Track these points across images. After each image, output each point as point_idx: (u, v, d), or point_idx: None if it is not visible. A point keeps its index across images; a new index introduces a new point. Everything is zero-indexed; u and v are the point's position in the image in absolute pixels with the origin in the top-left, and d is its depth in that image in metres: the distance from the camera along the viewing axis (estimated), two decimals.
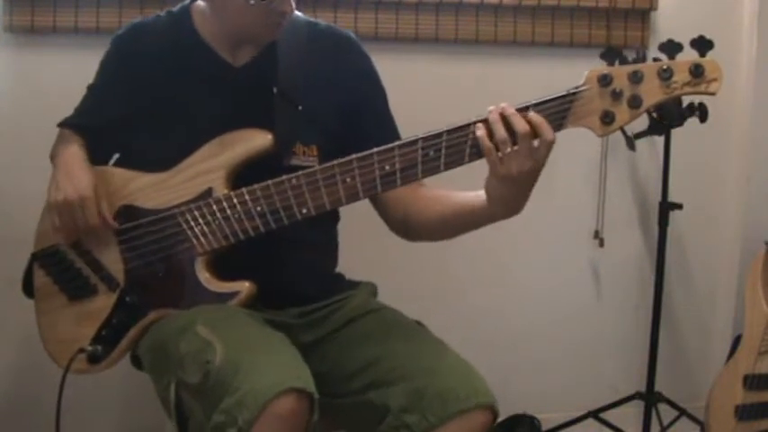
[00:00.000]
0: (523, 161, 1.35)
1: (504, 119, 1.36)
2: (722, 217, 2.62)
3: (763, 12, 2.50)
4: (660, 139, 2.33)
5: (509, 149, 1.35)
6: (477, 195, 1.46)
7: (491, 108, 1.38)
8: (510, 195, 1.40)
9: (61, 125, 1.68)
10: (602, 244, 2.52)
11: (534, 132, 1.35)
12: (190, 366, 1.38)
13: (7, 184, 2.16)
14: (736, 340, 2.29)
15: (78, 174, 1.56)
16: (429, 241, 1.63)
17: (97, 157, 1.64)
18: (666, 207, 2.35)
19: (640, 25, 2.45)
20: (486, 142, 1.37)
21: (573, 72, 2.40)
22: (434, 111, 2.31)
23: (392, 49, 2.28)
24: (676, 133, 2.29)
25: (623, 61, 1.85)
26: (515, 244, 2.38)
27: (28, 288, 1.66)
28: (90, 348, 1.56)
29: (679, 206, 2.34)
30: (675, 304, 2.60)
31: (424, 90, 2.33)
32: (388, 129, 1.67)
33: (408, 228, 1.63)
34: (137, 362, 1.64)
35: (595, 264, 2.56)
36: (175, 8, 1.67)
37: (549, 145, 1.36)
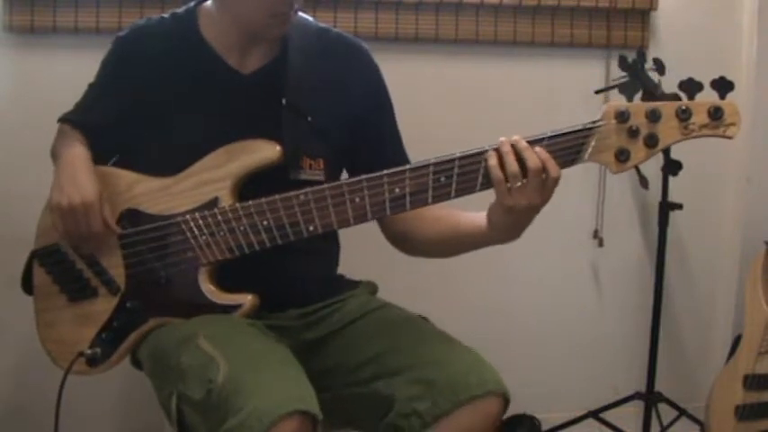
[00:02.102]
0: (533, 196, 1.36)
1: (516, 152, 1.36)
2: (722, 217, 2.62)
3: (763, 12, 2.50)
4: None
5: (519, 183, 1.35)
6: (478, 219, 1.47)
7: (502, 139, 1.37)
8: (512, 225, 1.41)
9: (62, 120, 1.66)
10: (601, 244, 2.53)
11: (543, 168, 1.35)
12: (192, 381, 1.37)
13: (7, 183, 2.16)
14: (736, 340, 2.29)
15: (83, 178, 1.53)
16: (426, 257, 1.64)
17: (96, 155, 1.62)
18: (666, 207, 2.35)
19: (640, 25, 2.45)
20: (498, 173, 1.36)
21: (573, 72, 2.43)
22: (435, 111, 2.33)
23: (392, 49, 2.28)
24: None
25: (632, 68, 1.82)
26: (514, 243, 2.38)
27: (27, 285, 1.64)
28: (89, 352, 1.55)
29: (679, 206, 2.34)
30: (675, 304, 2.60)
31: (424, 90, 2.33)
32: (394, 144, 1.68)
33: (407, 244, 1.64)
34: (137, 362, 1.64)
35: (595, 264, 2.56)
36: (180, 10, 1.64)
37: (555, 182, 1.36)
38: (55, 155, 1.63)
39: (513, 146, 1.36)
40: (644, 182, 2.22)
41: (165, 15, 1.65)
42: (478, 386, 1.38)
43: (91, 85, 1.68)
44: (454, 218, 1.54)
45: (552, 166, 1.35)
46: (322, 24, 1.68)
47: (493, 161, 1.36)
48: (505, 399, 1.41)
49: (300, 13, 1.63)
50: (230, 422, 1.28)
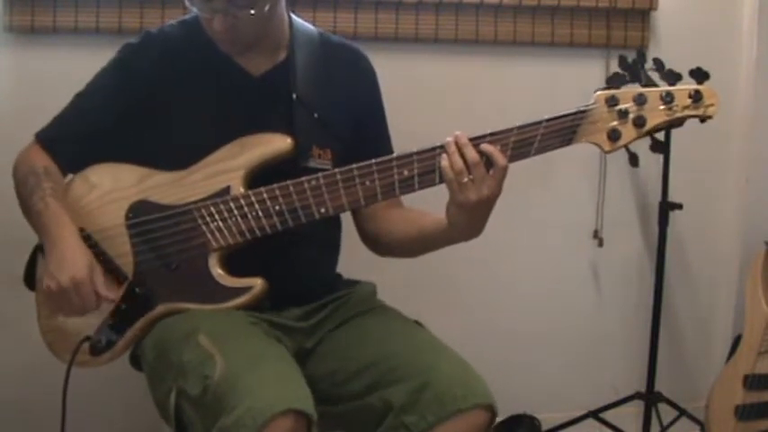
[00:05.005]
0: (479, 189, 1.42)
1: (459, 148, 1.43)
2: (722, 217, 2.62)
3: (763, 12, 2.50)
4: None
5: (465, 179, 1.41)
6: (439, 220, 1.52)
7: (448, 138, 1.44)
8: (468, 221, 1.47)
9: (42, 141, 1.64)
10: (601, 244, 2.53)
11: (488, 161, 1.42)
12: (191, 377, 1.38)
13: (7, 183, 2.15)
14: (736, 340, 2.29)
15: (70, 254, 1.49)
16: (394, 257, 1.70)
17: (97, 156, 1.61)
18: (666, 207, 2.35)
19: (640, 25, 2.45)
20: (449, 173, 1.42)
21: (573, 72, 2.43)
22: (434, 111, 2.33)
23: (392, 49, 2.28)
24: (676, 133, 2.29)
25: (632, 68, 1.89)
26: (514, 243, 2.39)
27: (29, 279, 1.64)
28: (94, 338, 1.56)
29: (679, 206, 2.35)
30: (675, 304, 2.60)
31: (423, 90, 2.33)
32: (386, 140, 1.73)
33: (377, 244, 1.71)
34: (136, 362, 1.64)
35: (595, 263, 2.56)
36: (188, 16, 1.66)
37: (502, 171, 1.42)
38: (25, 180, 1.59)
39: (456, 143, 1.43)
40: (633, 159, 2.25)
41: (173, 22, 1.67)
42: (464, 399, 1.40)
43: (79, 94, 1.65)
44: (419, 221, 1.61)
45: (498, 156, 1.42)
46: (323, 31, 1.73)
47: (445, 162, 1.43)
48: (492, 410, 1.43)
49: (301, 20, 1.69)
50: (224, 420, 1.29)
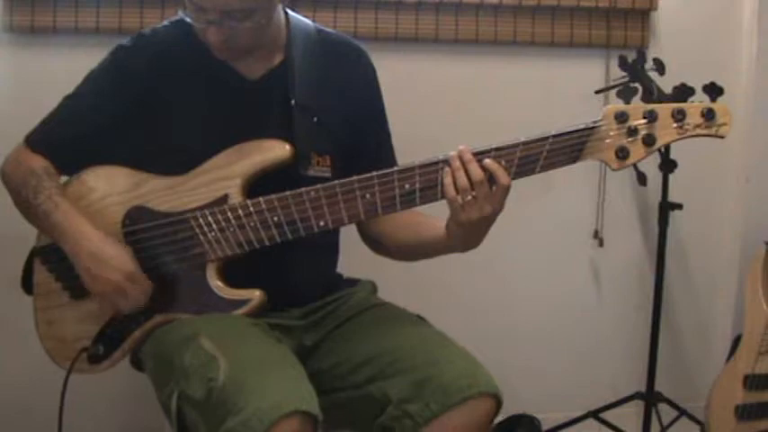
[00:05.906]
0: (482, 207, 1.40)
1: (463, 164, 1.40)
2: (722, 217, 2.62)
3: (763, 12, 2.50)
4: None
5: (469, 197, 1.40)
6: (438, 230, 1.51)
7: (452, 153, 1.42)
8: (468, 236, 1.46)
9: (34, 143, 1.62)
10: (601, 244, 2.53)
11: (490, 177, 1.40)
12: (193, 380, 1.38)
13: None
14: (736, 340, 2.29)
15: (108, 251, 1.49)
16: (393, 260, 1.70)
17: (93, 158, 1.60)
18: (666, 207, 2.35)
19: (640, 25, 2.45)
20: (451, 190, 1.41)
21: (573, 72, 2.43)
22: (434, 111, 2.33)
23: (392, 49, 2.28)
24: None
25: (632, 68, 1.86)
26: (515, 243, 2.39)
27: (27, 283, 1.64)
28: (92, 348, 1.55)
29: (679, 206, 2.34)
30: (675, 304, 2.60)
31: (423, 90, 2.33)
32: (386, 147, 1.72)
33: (378, 245, 1.70)
34: (137, 363, 1.64)
35: (595, 264, 2.56)
36: (181, 18, 1.62)
37: (504, 190, 1.41)
38: (24, 190, 1.56)
39: (460, 158, 1.40)
40: (642, 178, 2.23)
41: (167, 23, 1.64)
42: (469, 388, 1.40)
43: (69, 96, 1.64)
44: (420, 227, 1.60)
45: (501, 175, 1.40)
46: (322, 27, 1.70)
47: (448, 179, 1.41)
48: (497, 398, 1.42)
49: (297, 17, 1.66)
50: (230, 422, 1.29)
